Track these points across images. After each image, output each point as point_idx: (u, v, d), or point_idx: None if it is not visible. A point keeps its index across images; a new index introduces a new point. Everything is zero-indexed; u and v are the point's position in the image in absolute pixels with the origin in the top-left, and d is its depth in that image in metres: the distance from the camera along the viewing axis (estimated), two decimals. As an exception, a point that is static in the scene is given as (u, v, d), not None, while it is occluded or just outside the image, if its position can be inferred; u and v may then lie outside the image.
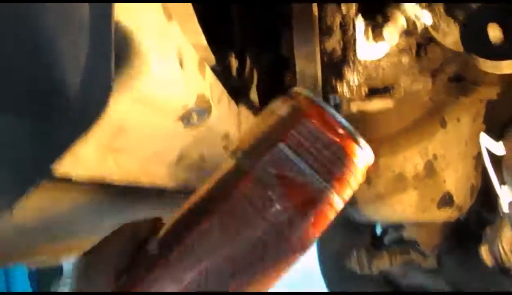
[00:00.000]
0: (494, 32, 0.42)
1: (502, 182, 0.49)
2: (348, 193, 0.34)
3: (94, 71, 0.29)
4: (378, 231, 1.68)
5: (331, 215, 0.33)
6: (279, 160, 0.32)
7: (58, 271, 2.21)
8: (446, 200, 0.92)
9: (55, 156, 0.28)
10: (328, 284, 1.71)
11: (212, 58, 0.75)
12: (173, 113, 0.60)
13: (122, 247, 0.33)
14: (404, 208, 0.91)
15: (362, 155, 0.34)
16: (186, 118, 0.64)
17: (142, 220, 0.35)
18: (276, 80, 0.81)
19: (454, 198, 0.93)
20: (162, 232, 0.35)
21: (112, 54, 0.30)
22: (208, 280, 0.31)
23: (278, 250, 0.32)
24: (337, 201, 0.33)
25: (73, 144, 0.28)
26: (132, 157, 0.59)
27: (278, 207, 0.32)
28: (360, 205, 0.96)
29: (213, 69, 0.67)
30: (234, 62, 0.89)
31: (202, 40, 0.70)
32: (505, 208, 0.48)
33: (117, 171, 0.58)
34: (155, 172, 0.76)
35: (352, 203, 1.00)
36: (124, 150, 0.55)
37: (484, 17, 0.41)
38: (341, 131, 0.33)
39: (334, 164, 0.33)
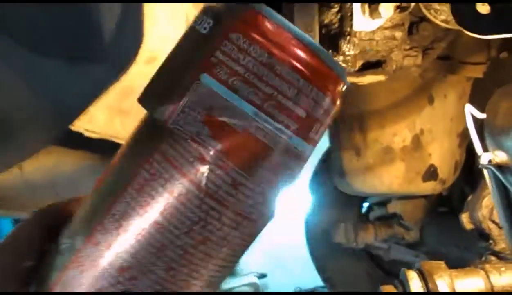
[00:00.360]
0: (481, 8, 0.45)
1: (485, 149, 0.53)
2: (317, 131, 0.24)
3: (127, 19, 0.32)
4: (363, 209, 1.73)
5: (295, 164, 0.24)
6: (204, 99, 0.22)
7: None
8: (431, 173, 0.97)
9: (92, 96, 0.31)
10: (314, 259, 1.77)
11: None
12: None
13: (29, 241, 0.26)
14: (391, 179, 0.96)
15: (322, 72, 0.23)
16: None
17: (54, 204, 0.28)
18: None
19: (438, 172, 0.98)
20: (74, 219, 0.26)
21: (142, 6, 0.33)
22: (136, 280, 0.24)
23: (224, 226, 0.23)
24: (299, 144, 0.24)
25: (109, 86, 0.32)
26: (137, 119, 0.62)
27: (212, 167, 0.23)
28: (349, 176, 1.01)
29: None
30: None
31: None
32: (483, 161, 0.52)
33: (122, 132, 0.61)
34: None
35: (340, 174, 1.04)
36: (130, 112, 0.58)
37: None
38: (294, 46, 0.23)
39: (282, 92, 0.22)
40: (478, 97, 0.98)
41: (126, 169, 0.24)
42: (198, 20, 0.24)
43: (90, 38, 0.32)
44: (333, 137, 1.06)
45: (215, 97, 0.22)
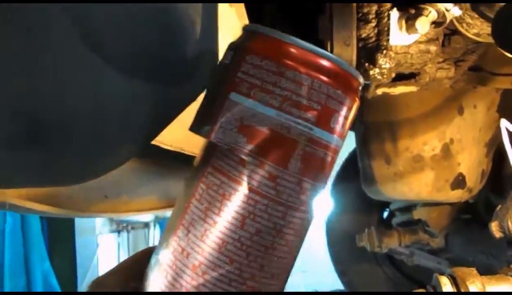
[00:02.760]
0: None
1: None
2: (337, 120, 0.28)
3: (205, 45, 0.35)
4: (385, 215, 1.75)
5: (324, 153, 0.28)
6: (236, 113, 0.27)
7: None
8: (459, 181, 0.99)
9: (176, 112, 0.35)
10: (335, 263, 1.79)
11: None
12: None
13: (135, 265, 0.32)
14: (421, 186, 0.98)
15: (334, 72, 0.27)
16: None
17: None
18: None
19: (467, 180, 1.00)
20: (159, 241, 0.31)
21: (217, 40, 0.37)
22: (207, 274, 0.28)
23: (272, 216, 0.27)
24: (323, 135, 0.27)
25: (191, 102, 0.35)
26: (181, 125, 0.66)
27: (252, 167, 0.27)
28: (378, 183, 1.03)
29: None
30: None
31: (246, 22, 0.76)
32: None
33: (167, 136, 0.65)
34: (197, 143, 0.83)
35: (370, 181, 1.07)
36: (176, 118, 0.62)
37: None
38: (296, 53, 0.27)
39: (295, 92, 0.26)
40: (507, 107, 1.00)
41: (190, 187, 0.29)
42: (224, 56, 0.30)
43: (174, 60, 0.35)
44: (361, 146, 1.08)
45: (244, 109, 0.27)
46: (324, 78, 0.27)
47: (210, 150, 0.28)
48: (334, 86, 0.28)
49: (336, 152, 0.29)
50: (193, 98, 0.36)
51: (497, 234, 0.80)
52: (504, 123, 0.52)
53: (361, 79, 0.30)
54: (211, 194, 0.28)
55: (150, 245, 2.84)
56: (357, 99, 0.29)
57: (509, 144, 0.51)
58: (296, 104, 0.27)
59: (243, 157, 0.27)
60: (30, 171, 0.31)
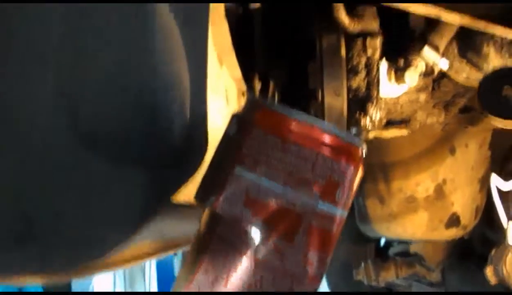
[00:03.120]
0: (508, 93, 0.48)
1: (509, 217, 0.55)
2: (341, 193, 0.28)
3: (194, 127, 0.36)
4: (382, 242, 1.74)
5: (329, 226, 0.28)
6: (241, 187, 0.27)
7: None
8: (453, 221, 0.99)
9: (165, 198, 0.35)
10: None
11: (244, 87, 0.82)
12: (214, 143, 0.67)
13: None
14: (415, 227, 0.98)
15: (337, 145, 0.28)
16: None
17: None
18: (301, 107, 0.87)
19: (461, 219, 1.00)
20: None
21: (206, 123, 0.37)
22: None
23: (279, 288, 0.28)
24: (328, 208, 0.28)
25: (181, 187, 0.35)
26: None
27: (258, 240, 0.27)
28: (373, 223, 1.03)
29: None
30: (257, 84, 0.95)
31: (238, 73, 0.77)
32: (511, 241, 0.54)
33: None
34: (187, 189, 0.83)
35: (364, 219, 1.07)
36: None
37: (501, 80, 0.47)
38: (299, 128, 0.27)
39: (300, 167, 0.27)
40: (497, 145, 1.01)
41: (194, 257, 0.29)
42: (228, 126, 0.31)
43: (162, 145, 0.35)
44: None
45: (249, 183, 0.28)
46: (327, 152, 0.28)
47: (214, 220, 0.29)
48: (338, 159, 0.28)
49: (341, 223, 0.29)
50: (183, 182, 0.37)
51: (493, 280, 0.80)
52: (494, 179, 0.53)
53: (364, 148, 0.30)
54: (217, 265, 0.28)
55: (146, 274, 2.82)
56: (361, 167, 0.30)
57: (499, 201, 0.51)
58: (301, 179, 0.27)
59: (248, 229, 0.27)
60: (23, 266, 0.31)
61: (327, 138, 0.28)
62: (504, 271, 0.79)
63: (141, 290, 2.84)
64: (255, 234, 0.27)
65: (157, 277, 2.94)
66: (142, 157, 0.34)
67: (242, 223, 0.27)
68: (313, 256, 0.28)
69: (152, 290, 2.82)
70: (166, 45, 0.33)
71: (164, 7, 0.35)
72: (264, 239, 0.27)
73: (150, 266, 2.94)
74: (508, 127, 0.51)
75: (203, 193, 0.30)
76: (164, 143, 0.35)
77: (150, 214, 0.37)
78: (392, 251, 1.54)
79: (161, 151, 0.35)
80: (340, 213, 0.29)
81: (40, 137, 0.28)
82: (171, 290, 0.32)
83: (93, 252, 0.35)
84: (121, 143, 0.32)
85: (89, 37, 0.30)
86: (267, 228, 0.27)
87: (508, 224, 0.54)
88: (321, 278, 0.29)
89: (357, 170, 0.29)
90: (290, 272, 0.28)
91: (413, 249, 1.27)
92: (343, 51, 0.71)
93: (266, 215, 0.27)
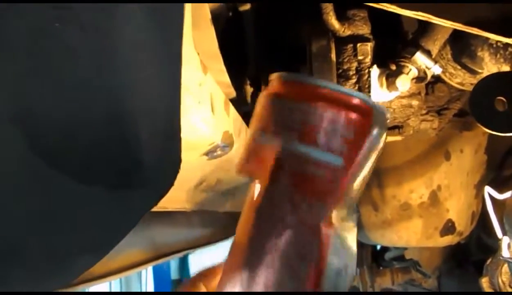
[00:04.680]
0: (499, 105, 0.46)
1: (504, 230, 0.54)
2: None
3: (166, 152, 0.34)
4: (379, 246, 1.73)
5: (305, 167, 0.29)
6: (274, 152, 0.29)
7: None
8: (449, 227, 0.97)
9: (133, 221, 0.33)
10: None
11: (233, 92, 0.80)
12: (200, 150, 0.65)
13: None
14: (409, 235, 0.96)
15: (360, 109, 0.29)
16: (211, 153, 0.69)
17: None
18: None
19: (456, 225, 0.98)
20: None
21: (180, 140, 0.35)
22: None
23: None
24: (306, 149, 0.29)
25: (148, 210, 0.33)
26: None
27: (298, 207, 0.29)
28: (367, 230, 1.01)
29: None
30: (249, 89, 0.94)
31: (226, 78, 0.75)
32: (505, 254, 0.53)
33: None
34: (177, 197, 0.81)
35: (359, 227, 1.05)
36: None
37: (493, 90, 0.45)
38: (320, 92, 0.28)
39: (332, 133, 0.28)
40: (492, 150, 0.99)
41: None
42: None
43: (132, 164, 0.34)
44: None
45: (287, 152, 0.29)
46: (348, 115, 0.29)
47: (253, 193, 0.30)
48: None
49: (333, 171, 0.29)
50: (154, 203, 0.35)
51: (488, 290, 0.79)
52: (487, 190, 0.51)
53: (384, 111, 0.30)
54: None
55: (143, 277, 2.80)
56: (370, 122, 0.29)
57: (493, 213, 0.50)
58: (331, 143, 0.29)
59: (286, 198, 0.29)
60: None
61: (355, 109, 0.29)
62: (500, 282, 0.77)
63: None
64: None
65: (154, 280, 2.93)
66: (107, 174, 0.32)
67: (284, 194, 0.29)
68: (299, 200, 0.29)
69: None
70: (133, 57, 0.31)
71: (133, 14, 0.33)
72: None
73: (147, 270, 2.92)
74: (503, 135, 0.49)
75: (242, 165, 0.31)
76: (132, 159, 0.33)
77: (120, 234, 0.35)
78: (388, 255, 1.52)
79: (128, 168, 0.33)
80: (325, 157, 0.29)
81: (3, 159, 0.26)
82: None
83: (56, 279, 0.33)
84: (85, 160, 0.30)
85: (53, 52, 0.28)
86: (300, 191, 0.28)
87: (503, 236, 0.52)
88: (316, 227, 0.29)
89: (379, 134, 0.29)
90: (278, 215, 0.29)
91: (408, 255, 1.26)
92: (333, 56, 0.69)
93: (301, 181, 0.28)
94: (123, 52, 0.31)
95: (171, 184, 0.34)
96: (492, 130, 0.48)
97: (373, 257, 1.65)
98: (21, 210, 0.28)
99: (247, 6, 0.84)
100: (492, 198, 0.52)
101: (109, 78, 0.31)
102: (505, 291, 0.77)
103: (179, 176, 0.76)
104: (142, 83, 0.32)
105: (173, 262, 2.84)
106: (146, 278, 2.88)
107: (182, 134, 0.51)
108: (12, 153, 0.27)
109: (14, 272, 0.29)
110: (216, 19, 0.66)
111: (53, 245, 0.30)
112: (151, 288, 2.86)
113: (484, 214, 1.08)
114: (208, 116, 0.59)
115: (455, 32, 0.71)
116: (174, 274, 2.89)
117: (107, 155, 0.31)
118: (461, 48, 0.73)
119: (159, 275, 2.86)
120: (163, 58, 0.36)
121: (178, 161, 0.35)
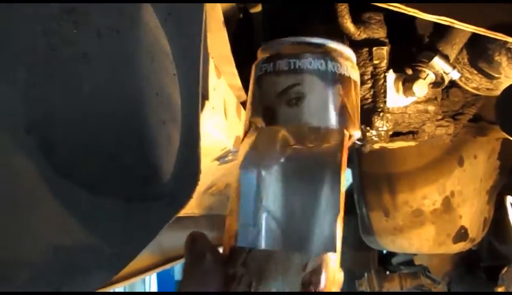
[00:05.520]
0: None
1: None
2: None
3: (185, 162, 0.32)
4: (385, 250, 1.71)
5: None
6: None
7: None
8: (461, 234, 0.96)
9: (150, 234, 0.31)
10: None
11: (244, 95, 0.78)
12: (212, 156, 0.64)
13: (212, 273, 0.30)
14: (421, 241, 0.94)
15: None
16: (222, 158, 0.67)
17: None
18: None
19: (469, 232, 0.96)
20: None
21: (199, 149, 0.34)
22: None
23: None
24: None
25: (164, 225, 0.32)
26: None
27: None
28: (377, 235, 1.00)
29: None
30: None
31: (238, 81, 0.74)
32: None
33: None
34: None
35: (368, 231, 1.03)
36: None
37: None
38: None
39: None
40: (508, 155, 0.97)
41: None
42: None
43: (149, 176, 0.32)
44: (358, 194, 1.05)
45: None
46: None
47: None
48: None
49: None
50: (173, 216, 0.33)
51: (504, 300, 0.77)
52: (509, 200, 0.49)
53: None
54: None
55: (146, 278, 2.79)
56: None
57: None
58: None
59: None
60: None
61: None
62: (517, 292, 0.76)
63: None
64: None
65: (157, 281, 2.92)
66: (124, 186, 0.31)
67: None
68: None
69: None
70: (150, 65, 0.30)
71: (151, 20, 0.32)
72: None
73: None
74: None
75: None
76: (149, 170, 0.31)
77: (139, 248, 0.33)
78: (395, 260, 1.51)
79: (145, 179, 0.31)
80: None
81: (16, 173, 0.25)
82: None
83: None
84: (101, 171, 0.29)
85: (69, 59, 0.27)
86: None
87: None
88: None
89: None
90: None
91: (417, 260, 1.24)
92: (348, 60, 0.67)
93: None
94: (141, 60, 0.30)
95: (190, 196, 0.33)
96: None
97: (379, 261, 1.63)
98: (37, 222, 0.27)
99: (258, 8, 0.83)
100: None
101: (125, 87, 0.30)
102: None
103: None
104: (159, 91, 0.31)
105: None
106: (150, 279, 2.88)
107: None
108: (27, 163, 0.26)
109: (30, 287, 0.27)
110: (227, 21, 0.64)
111: (69, 258, 0.29)
112: (154, 289, 2.85)
113: (495, 220, 1.06)
114: (221, 121, 0.58)
115: (472, 36, 0.70)
116: (177, 275, 2.89)
117: (124, 166, 0.30)
118: (478, 52, 0.71)
119: (162, 276, 2.85)
120: (181, 65, 0.34)
121: (198, 171, 0.34)
